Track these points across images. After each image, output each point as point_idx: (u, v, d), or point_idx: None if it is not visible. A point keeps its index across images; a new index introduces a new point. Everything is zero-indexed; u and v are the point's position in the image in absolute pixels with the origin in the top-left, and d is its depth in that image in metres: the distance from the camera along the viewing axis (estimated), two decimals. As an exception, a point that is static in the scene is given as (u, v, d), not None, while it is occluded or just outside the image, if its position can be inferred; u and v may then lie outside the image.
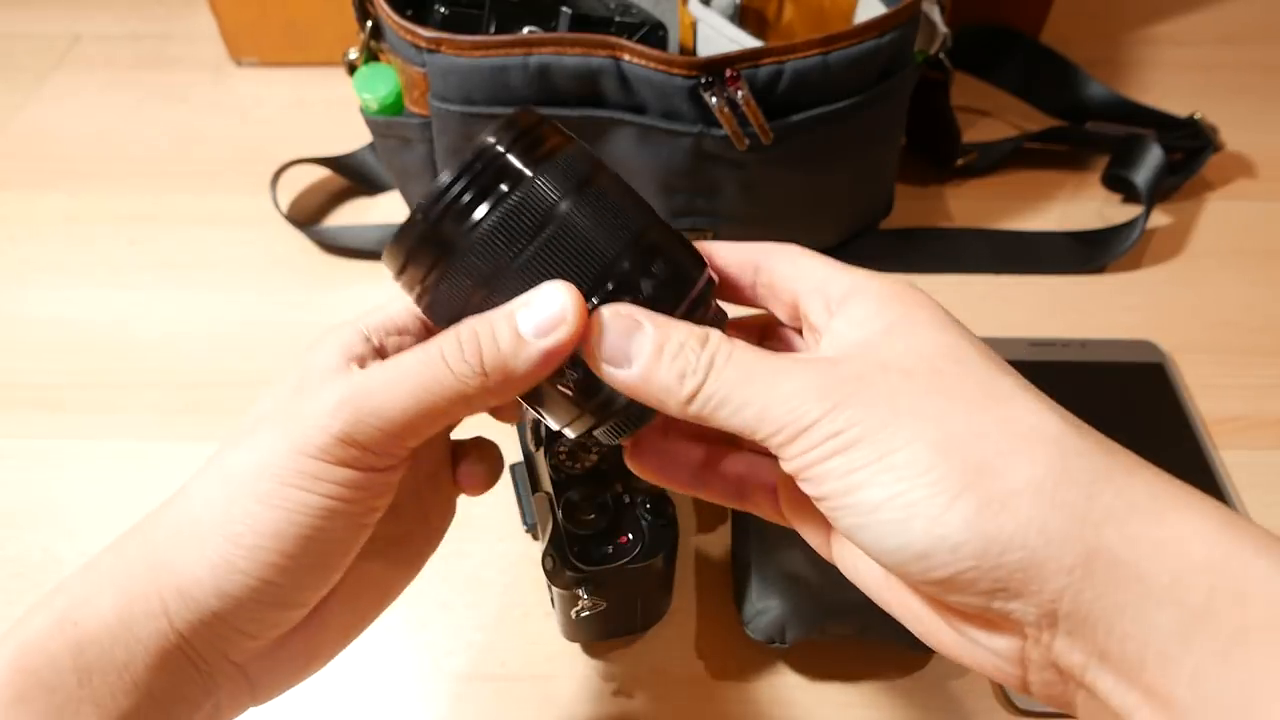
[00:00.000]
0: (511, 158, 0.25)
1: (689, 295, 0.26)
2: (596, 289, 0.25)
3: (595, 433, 0.28)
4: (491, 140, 0.25)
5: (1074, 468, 0.21)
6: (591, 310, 0.25)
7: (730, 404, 0.24)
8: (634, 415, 0.27)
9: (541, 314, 0.24)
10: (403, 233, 0.26)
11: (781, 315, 0.29)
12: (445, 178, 0.25)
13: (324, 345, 0.28)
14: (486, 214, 0.25)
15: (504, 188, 0.25)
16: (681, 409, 0.24)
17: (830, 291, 0.26)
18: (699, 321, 0.26)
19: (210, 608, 0.25)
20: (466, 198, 0.25)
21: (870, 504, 0.22)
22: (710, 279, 0.27)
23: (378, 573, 0.30)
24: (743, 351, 0.24)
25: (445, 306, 0.26)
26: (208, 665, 0.26)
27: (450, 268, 0.25)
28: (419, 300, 0.27)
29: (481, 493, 0.32)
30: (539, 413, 0.28)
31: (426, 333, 0.29)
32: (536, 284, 0.25)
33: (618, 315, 0.25)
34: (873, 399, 0.22)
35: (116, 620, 0.24)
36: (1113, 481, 0.21)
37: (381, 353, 0.28)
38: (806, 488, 0.23)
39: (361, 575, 0.29)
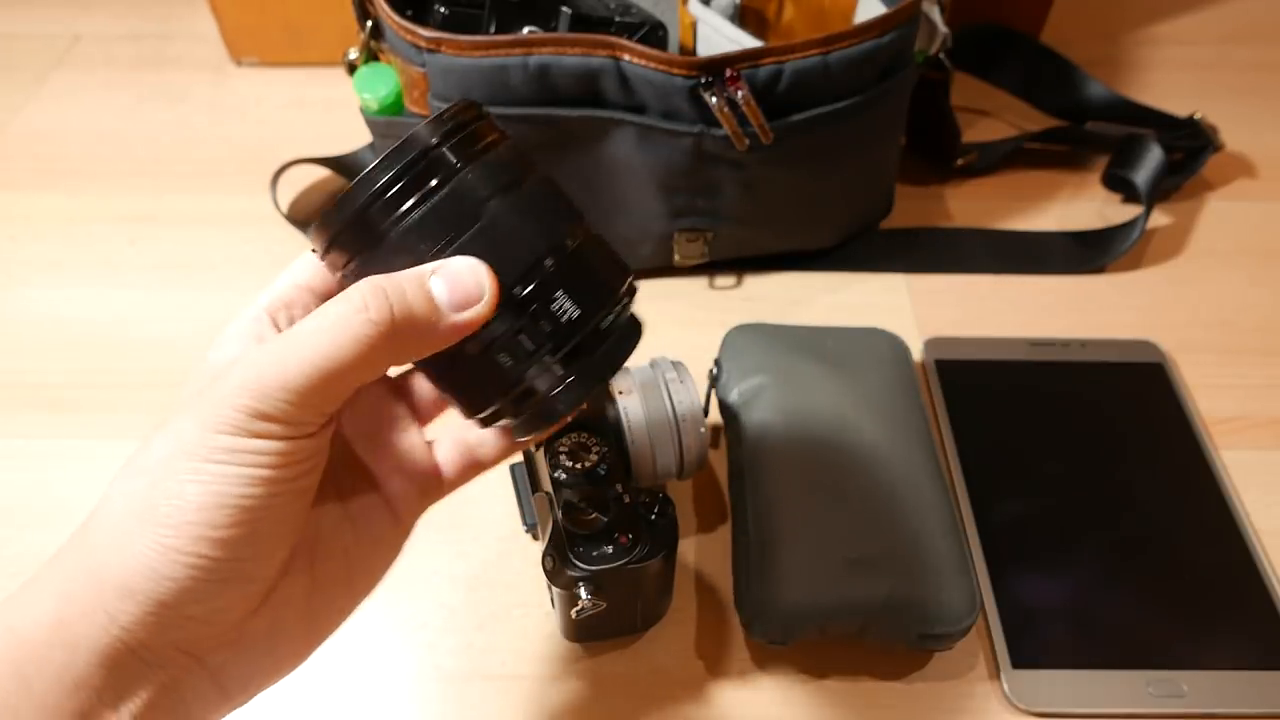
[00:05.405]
0: (444, 151, 0.25)
1: (607, 305, 0.26)
2: (515, 285, 0.25)
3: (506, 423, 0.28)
4: (425, 132, 0.25)
5: None
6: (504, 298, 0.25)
7: None
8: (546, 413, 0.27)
9: (459, 288, 0.25)
10: (327, 217, 0.25)
11: None
12: (374, 167, 0.25)
13: (224, 339, 0.28)
14: (412, 208, 0.25)
15: (433, 182, 0.25)
16: None
17: None
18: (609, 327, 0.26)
19: (153, 596, 0.24)
20: (394, 189, 0.25)
21: None
22: (631, 288, 0.28)
23: (342, 545, 0.29)
24: None
25: None
26: (158, 659, 0.25)
27: (373, 257, 0.25)
28: (341, 282, 0.27)
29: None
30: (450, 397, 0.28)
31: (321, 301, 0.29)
32: None
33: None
34: None
35: (54, 623, 0.24)
36: None
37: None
38: None
39: (320, 547, 0.28)
